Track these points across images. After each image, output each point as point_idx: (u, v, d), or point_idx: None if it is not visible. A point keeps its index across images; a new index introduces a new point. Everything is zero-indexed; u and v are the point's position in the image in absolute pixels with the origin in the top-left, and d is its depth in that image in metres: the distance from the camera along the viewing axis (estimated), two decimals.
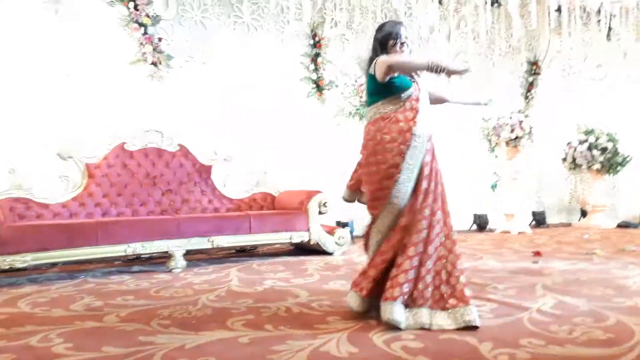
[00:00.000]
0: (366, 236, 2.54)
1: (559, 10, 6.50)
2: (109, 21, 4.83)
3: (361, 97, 5.90)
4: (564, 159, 7.38)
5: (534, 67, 7.74)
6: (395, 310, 2.15)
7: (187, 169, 4.80)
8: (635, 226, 7.00)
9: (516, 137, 6.47)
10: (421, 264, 2.26)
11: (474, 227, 6.92)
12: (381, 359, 1.81)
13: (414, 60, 2.43)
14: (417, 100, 2.43)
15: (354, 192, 2.76)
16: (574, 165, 7.26)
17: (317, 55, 5.99)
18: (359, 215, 5.94)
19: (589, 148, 7.00)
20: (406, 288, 2.21)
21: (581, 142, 7.12)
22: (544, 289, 2.91)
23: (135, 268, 4.04)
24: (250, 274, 3.64)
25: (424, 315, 2.18)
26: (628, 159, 7.00)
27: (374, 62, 2.43)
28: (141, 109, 4.89)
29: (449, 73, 2.23)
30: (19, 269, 3.62)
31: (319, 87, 5.99)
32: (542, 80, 7.78)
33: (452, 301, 2.21)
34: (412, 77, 2.49)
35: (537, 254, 4.38)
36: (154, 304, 2.72)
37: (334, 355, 1.84)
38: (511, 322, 2.21)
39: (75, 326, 2.28)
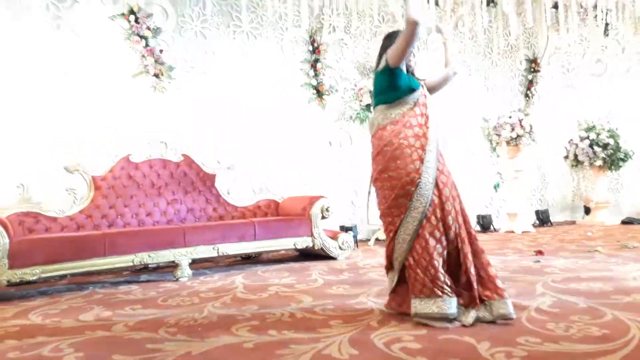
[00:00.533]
0: (389, 254, 2.48)
1: (555, 7, 6.53)
2: (111, 35, 4.92)
3: (361, 101, 5.97)
4: (566, 157, 7.39)
5: (533, 65, 7.76)
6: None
7: (192, 178, 4.88)
8: (639, 222, 6.99)
9: (517, 136, 6.50)
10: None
11: (478, 227, 6.93)
12: None
13: (407, 28, 2.33)
14: (426, 106, 2.50)
15: None
16: (576, 162, 7.26)
17: (317, 60, 6.05)
18: (362, 219, 6.02)
19: (591, 145, 7.01)
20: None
21: (582, 139, 7.12)
22: (544, 288, 2.95)
23: (143, 277, 4.11)
24: (255, 281, 3.70)
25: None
26: (630, 154, 7.00)
27: (382, 57, 2.50)
28: (145, 120, 4.98)
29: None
30: (29, 282, 3.72)
31: (319, 93, 6.05)
32: (542, 77, 7.80)
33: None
34: (418, 79, 2.56)
35: (539, 253, 4.42)
36: (161, 312, 2.78)
37: (336, 358, 1.89)
38: (510, 322, 2.26)
39: (85, 336, 2.34)
